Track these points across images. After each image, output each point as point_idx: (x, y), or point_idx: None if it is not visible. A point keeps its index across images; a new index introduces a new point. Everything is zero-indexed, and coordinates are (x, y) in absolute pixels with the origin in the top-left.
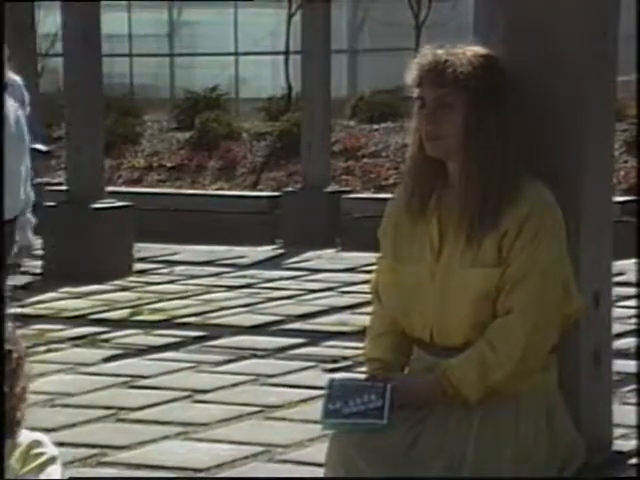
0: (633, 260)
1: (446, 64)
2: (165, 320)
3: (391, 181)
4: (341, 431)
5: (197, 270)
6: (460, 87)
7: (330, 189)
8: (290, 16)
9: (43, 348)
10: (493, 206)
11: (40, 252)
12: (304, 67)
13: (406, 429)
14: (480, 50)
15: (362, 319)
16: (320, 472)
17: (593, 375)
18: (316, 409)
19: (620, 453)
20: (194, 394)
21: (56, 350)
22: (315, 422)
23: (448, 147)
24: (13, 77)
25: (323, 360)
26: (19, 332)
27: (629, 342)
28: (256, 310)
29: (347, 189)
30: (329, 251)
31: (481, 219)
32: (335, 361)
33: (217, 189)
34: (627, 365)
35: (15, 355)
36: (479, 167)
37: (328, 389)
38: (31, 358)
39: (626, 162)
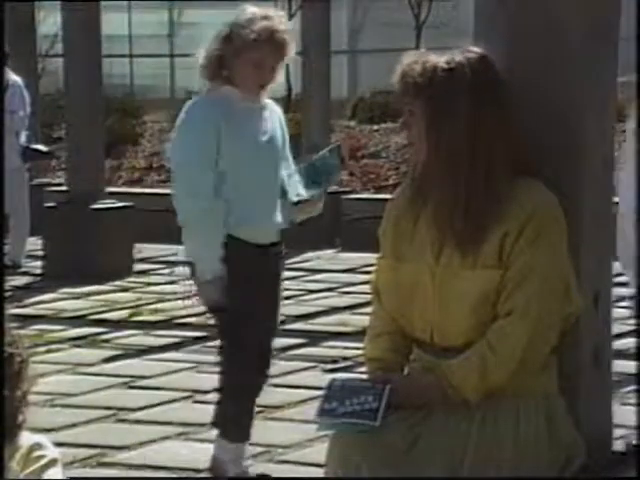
0: None
1: (406, 75)
2: (165, 320)
3: (391, 182)
4: (334, 430)
5: None
6: (416, 96)
7: (330, 189)
8: (290, 16)
9: (43, 348)
10: (471, 208)
11: (40, 252)
12: (304, 68)
13: (406, 429)
14: (450, 58)
15: (362, 319)
16: (320, 473)
17: (593, 375)
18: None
19: (620, 453)
20: (194, 394)
21: (56, 350)
22: (316, 423)
23: (420, 151)
24: (14, 77)
25: (323, 360)
26: (20, 333)
27: (629, 342)
28: None
29: (347, 189)
30: (329, 251)
31: (464, 223)
32: (335, 361)
33: None
34: (627, 365)
35: (18, 358)
36: (446, 172)
37: (327, 389)
38: (31, 359)
39: None
